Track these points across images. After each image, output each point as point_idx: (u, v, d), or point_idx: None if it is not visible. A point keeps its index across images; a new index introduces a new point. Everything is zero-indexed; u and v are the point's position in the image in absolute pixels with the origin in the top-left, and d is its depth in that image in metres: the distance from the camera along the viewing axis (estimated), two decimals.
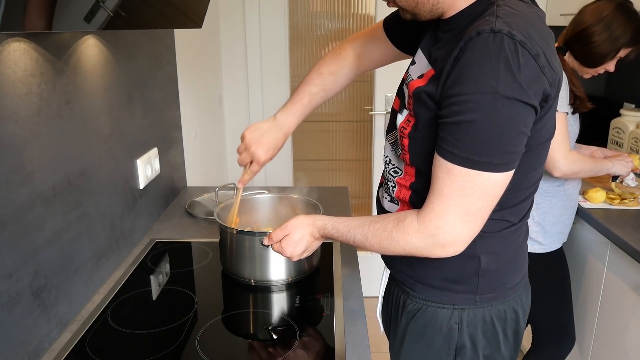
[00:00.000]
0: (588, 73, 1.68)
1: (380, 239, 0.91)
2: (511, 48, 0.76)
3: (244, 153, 1.19)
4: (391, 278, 1.14)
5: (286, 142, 1.22)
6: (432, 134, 0.87)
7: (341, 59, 1.21)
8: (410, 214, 0.89)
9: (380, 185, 1.11)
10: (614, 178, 1.83)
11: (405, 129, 0.94)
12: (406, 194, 0.99)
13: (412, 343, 1.05)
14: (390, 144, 1.04)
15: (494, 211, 0.87)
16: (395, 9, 0.97)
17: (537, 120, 0.83)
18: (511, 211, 0.96)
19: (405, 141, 0.94)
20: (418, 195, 0.96)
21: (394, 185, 1.02)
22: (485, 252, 0.96)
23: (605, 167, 1.71)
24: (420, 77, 0.92)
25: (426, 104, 0.87)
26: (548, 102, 0.83)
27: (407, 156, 0.95)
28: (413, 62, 0.99)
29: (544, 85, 0.80)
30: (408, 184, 0.98)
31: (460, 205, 0.83)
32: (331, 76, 1.20)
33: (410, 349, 1.06)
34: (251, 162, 1.19)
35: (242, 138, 1.19)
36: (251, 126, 1.19)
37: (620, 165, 1.73)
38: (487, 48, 0.76)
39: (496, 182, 0.82)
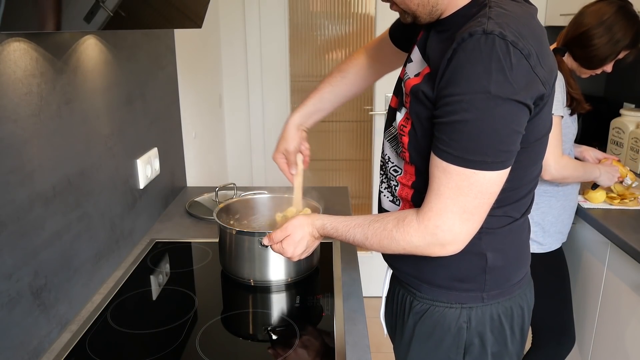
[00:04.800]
0: (586, 73, 1.68)
1: (380, 238, 0.92)
2: (503, 48, 0.76)
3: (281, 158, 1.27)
4: (394, 279, 1.13)
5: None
6: (430, 132, 0.87)
7: (352, 59, 1.28)
8: (410, 213, 0.89)
9: (381, 183, 1.12)
10: (594, 186, 1.79)
11: (405, 127, 0.94)
12: (409, 193, 0.99)
13: (421, 344, 1.05)
14: (388, 142, 1.05)
15: (497, 208, 0.88)
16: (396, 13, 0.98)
17: (532, 118, 0.84)
18: (513, 207, 0.97)
19: (405, 139, 0.94)
20: (420, 194, 0.96)
21: (396, 184, 1.03)
22: (490, 249, 0.96)
23: (593, 176, 1.70)
24: (417, 75, 0.93)
25: (423, 102, 0.88)
26: (543, 99, 0.84)
27: (407, 155, 0.96)
28: (410, 60, 0.99)
29: (537, 84, 0.80)
30: (410, 183, 0.98)
31: (458, 204, 0.83)
32: (339, 73, 1.27)
33: (419, 350, 1.06)
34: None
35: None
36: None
37: (607, 176, 1.72)
38: (479, 49, 0.77)
39: (492, 181, 0.83)
